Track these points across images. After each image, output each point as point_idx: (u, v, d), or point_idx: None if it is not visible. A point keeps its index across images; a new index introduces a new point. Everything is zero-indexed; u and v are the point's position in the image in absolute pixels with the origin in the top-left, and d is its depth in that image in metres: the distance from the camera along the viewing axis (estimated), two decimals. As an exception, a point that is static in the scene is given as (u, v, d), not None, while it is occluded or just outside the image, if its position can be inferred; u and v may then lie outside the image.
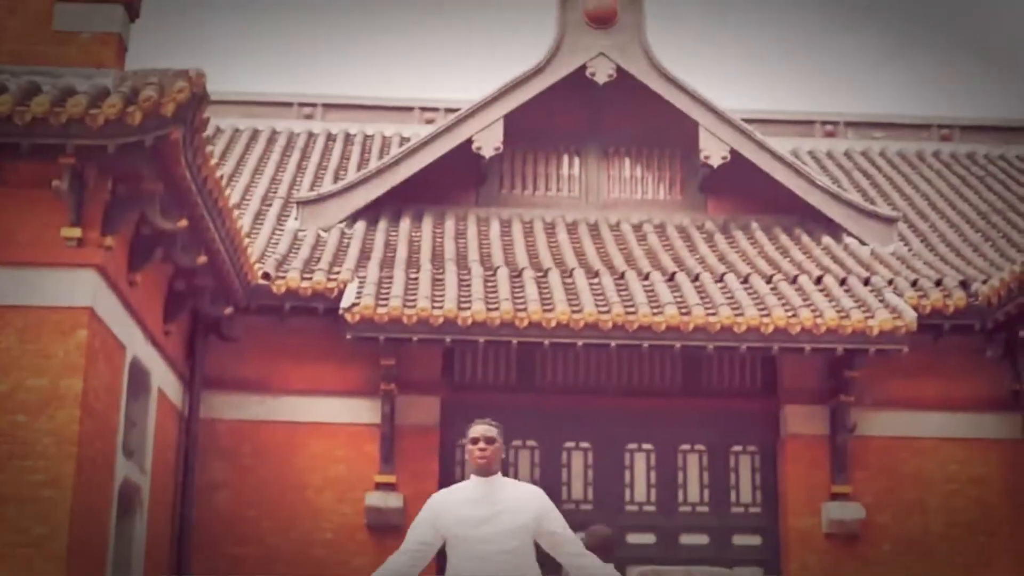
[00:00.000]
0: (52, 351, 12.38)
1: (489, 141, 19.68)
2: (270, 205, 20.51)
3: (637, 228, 20.12)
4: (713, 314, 16.37)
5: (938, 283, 17.99)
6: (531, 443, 18.23)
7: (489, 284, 17.18)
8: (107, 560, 13.48)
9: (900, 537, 17.66)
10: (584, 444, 18.22)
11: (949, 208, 21.99)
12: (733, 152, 19.81)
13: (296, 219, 19.57)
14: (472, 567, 6.71)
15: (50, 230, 12.54)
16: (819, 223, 20.26)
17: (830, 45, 49.32)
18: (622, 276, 17.68)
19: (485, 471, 6.91)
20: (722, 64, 48.58)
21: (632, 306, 16.53)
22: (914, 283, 17.96)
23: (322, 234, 19.10)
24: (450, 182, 20.32)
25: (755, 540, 18.10)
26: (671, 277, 17.72)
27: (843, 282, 17.83)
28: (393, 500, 16.97)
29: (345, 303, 16.25)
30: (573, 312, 16.25)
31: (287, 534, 17.11)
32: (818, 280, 17.86)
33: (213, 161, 13.64)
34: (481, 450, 6.88)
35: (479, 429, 6.94)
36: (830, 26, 48.28)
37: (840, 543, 17.53)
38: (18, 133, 12.11)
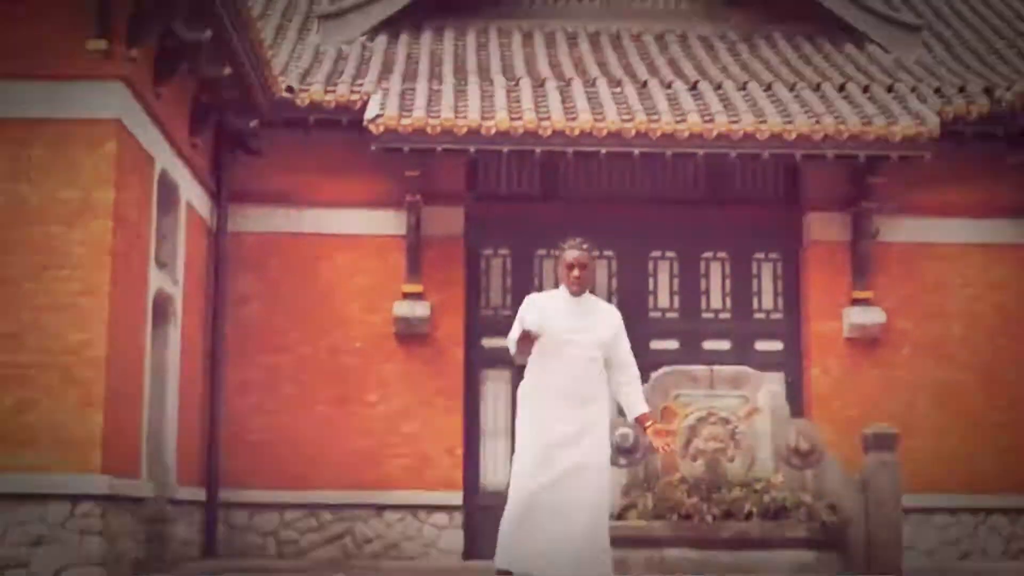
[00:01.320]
0: (82, 163, 12.51)
1: (509, -49, 19.55)
2: (290, 20, 20.44)
3: (659, 38, 20.00)
4: (736, 121, 16.39)
5: (961, 90, 17.94)
6: (554, 252, 18.29)
7: (512, 95, 17.18)
8: (144, 367, 13.82)
9: (920, 341, 17.90)
10: (607, 253, 18.33)
11: (974, 15, 21.78)
12: (756, -41, 19.65)
13: (317, 33, 19.54)
14: (560, 367, 7.43)
15: (76, 43, 12.55)
16: (842, 31, 20.11)
17: None
18: (644, 85, 17.65)
19: (578, 293, 7.63)
20: None
21: (655, 114, 16.54)
22: (937, 90, 17.90)
23: (343, 48, 19.06)
24: (470, -6, 20.21)
25: (776, 345, 18.37)
26: (694, 86, 17.68)
27: (866, 89, 17.77)
28: (420, 309, 17.22)
29: (369, 114, 16.30)
30: (596, 120, 16.28)
31: (317, 344, 17.42)
32: (841, 87, 17.80)
33: (235, -29, 13.61)
34: (576, 277, 7.57)
35: (572, 255, 7.59)
36: None
37: (861, 347, 17.78)
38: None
